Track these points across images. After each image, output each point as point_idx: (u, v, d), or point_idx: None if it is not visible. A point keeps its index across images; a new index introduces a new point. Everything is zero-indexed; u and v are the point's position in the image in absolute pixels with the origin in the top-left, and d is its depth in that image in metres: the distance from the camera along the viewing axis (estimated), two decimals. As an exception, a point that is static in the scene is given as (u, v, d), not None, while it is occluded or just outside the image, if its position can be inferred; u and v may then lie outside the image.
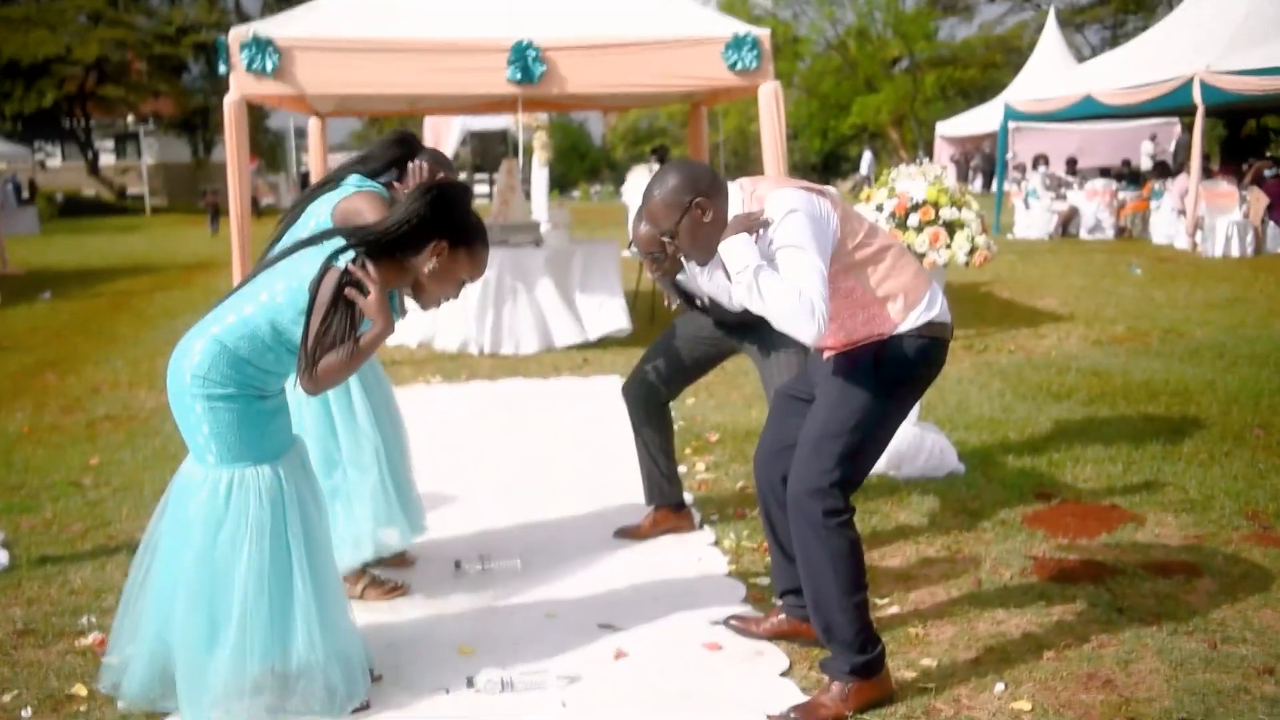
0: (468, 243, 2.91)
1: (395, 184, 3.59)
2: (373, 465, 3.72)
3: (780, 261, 2.78)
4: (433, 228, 2.84)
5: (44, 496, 5.04)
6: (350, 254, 2.77)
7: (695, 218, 2.93)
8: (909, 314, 2.97)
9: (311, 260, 2.78)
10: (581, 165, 54.28)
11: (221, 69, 6.84)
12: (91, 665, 3.29)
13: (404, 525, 3.86)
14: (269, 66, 6.56)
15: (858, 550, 2.95)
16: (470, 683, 3.12)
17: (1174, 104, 15.73)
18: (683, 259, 3.08)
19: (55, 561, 4.19)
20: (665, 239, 2.99)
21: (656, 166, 10.77)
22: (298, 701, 2.88)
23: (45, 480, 5.30)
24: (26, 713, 3.01)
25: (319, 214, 3.41)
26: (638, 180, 4.16)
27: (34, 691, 3.14)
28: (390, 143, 3.61)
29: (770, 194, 2.88)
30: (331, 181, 3.48)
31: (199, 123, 43.26)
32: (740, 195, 2.97)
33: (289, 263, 2.84)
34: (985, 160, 27.64)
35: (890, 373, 2.97)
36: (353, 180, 3.48)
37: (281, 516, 2.85)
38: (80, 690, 3.12)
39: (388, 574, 3.96)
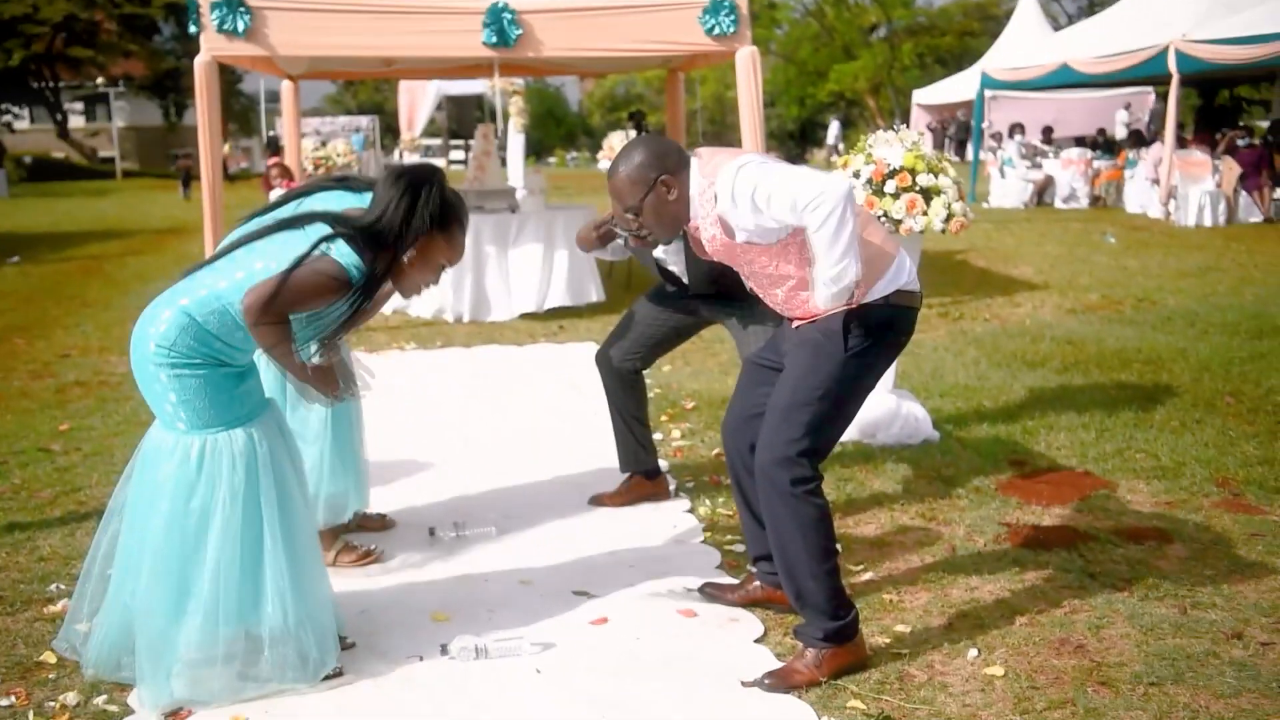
0: (445, 227, 2.88)
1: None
2: (318, 437, 3.70)
3: (765, 200, 2.77)
4: (413, 217, 2.81)
5: (12, 463, 4.98)
6: (338, 242, 2.74)
7: (660, 195, 2.94)
8: (877, 283, 2.95)
9: (293, 245, 2.75)
10: (558, 131, 53.99)
11: (192, 29, 6.72)
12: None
13: (348, 498, 3.83)
14: (240, 27, 6.45)
15: (827, 517, 2.96)
16: (444, 650, 3.11)
17: (1149, 73, 15.77)
18: (648, 236, 3.06)
19: (24, 528, 4.15)
20: (629, 215, 2.97)
21: (634, 133, 10.70)
22: (268, 669, 2.86)
23: (14, 446, 5.24)
24: (-5, 680, 2.98)
25: (326, 206, 3.40)
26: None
27: (2, 659, 3.10)
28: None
29: (724, 164, 2.88)
30: (352, 183, 3.48)
31: (170, 85, 42.69)
32: (697, 165, 2.97)
33: (269, 243, 2.79)
34: (961, 129, 27.63)
35: (859, 341, 2.96)
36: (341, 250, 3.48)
37: (255, 481, 2.82)
38: (49, 658, 3.09)
39: (362, 539, 3.94)
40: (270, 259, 2.76)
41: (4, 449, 5.20)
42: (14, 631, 3.28)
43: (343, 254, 2.75)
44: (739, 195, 2.81)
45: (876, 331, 2.97)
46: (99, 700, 2.87)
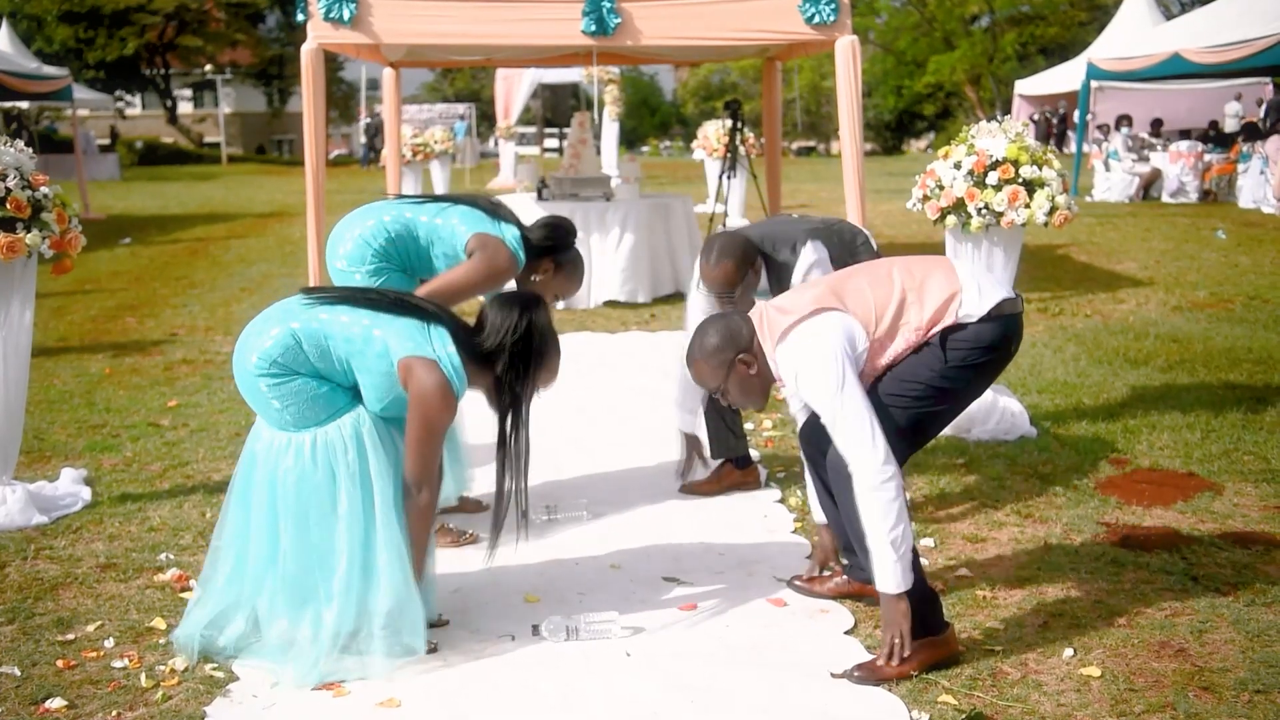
0: (543, 362, 3.03)
1: (534, 269, 3.83)
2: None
3: (833, 430, 2.85)
4: (528, 352, 2.98)
5: (124, 436, 5.17)
6: (453, 354, 2.88)
7: (741, 373, 2.99)
8: (966, 308, 2.94)
9: (413, 337, 2.87)
10: (652, 120, 54.04)
11: (299, 17, 6.88)
12: (170, 600, 3.40)
13: (450, 480, 3.93)
14: (346, 15, 6.58)
15: (900, 496, 2.91)
16: (536, 631, 3.16)
17: (1267, 63, 15.15)
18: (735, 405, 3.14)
19: (135, 499, 4.31)
20: (716, 396, 3.06)
21: (729, 122, 10.64)
22: (373, 644, 2.93)
23: (125, 421, 5.44)
24: (109, 643, 3.11)
25: (459, 227, 3.69)
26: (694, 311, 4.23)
27: (116, 623, 3.24)
28: (552, 226, 3.86)
29: (779, 350, 2.92)
30: (493, 212, 3.77)
31: (275, 72, 43.77)
32: (758, 325, 3.00)
33: (393, 322, 2.89)
34: (1060, 120, 26.96)
35: (960, 355, 2.93)
36: (511, 233, 3.75)
37: (366, 459, 2.92)
38: (159, 623, 3.21)
39: (457, 521, 4.01)
40: (388, 334, 2.88)
41: (116, 423, 5.40)
42: (126, 597, 3.42)
43: (452, 365, 2.88)
44: (807, 395, 2.91)
45: (983, 346, 2.95)
46: (207, 667, 2.97)
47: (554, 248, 3.83)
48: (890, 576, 2.83)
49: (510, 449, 3.04)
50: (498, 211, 3.77)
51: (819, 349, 2.86)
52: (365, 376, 2.90)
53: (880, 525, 2.80)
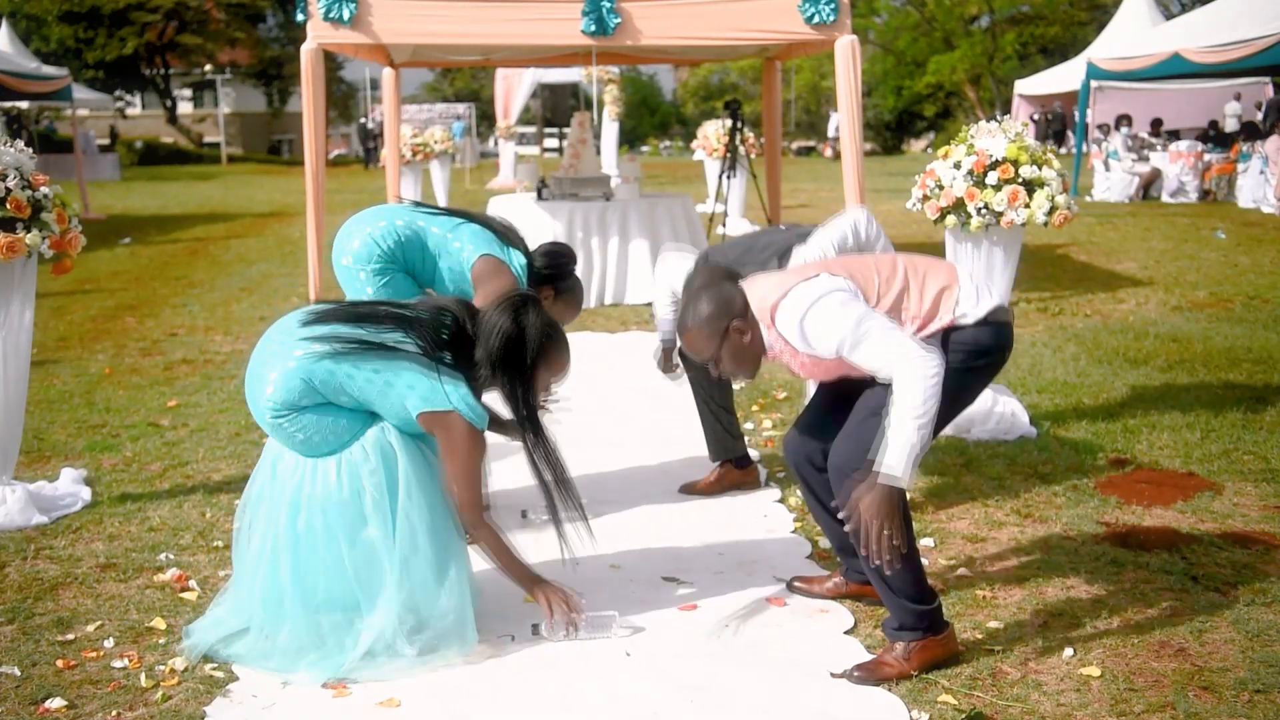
0: (540, 361, 3.06)
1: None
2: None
3: (860, 355, 2.78)
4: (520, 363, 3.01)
5: (124, 436, 5.17)
6: (458, 388, 2.90)
7: (735, 341, 2.97)
8: (963, 306, 2.94)
9: (430, 392, 2.88)
10: (651, 120, 54.02)
11: (299, 17, 6.88)
12: (170, 600, 3.40)
13: None
14: (346, 15, 6.58)
15: (902, 501, 2.92)
16: (535, 630, 3.16)
17: (1268, 62, 15.15)
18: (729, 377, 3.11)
19: (135, 499, 4.30)
20: (709, 366, 3.04)
21: (729, 122, 10.64)
22: (401, 648, 2.96)
23: (125, 420, 5.44)
24: (109, 643, 3.11)
25: (467, 246, 3.80)
26: (671, 270, 4.06)
27: (115, 623, 3.24)
28: (554, 254, 3.98)
29: (780, 308, 2.90)
30: (504, 236, 3.84)
31: (274, 72, 43.76)
32: (752, 303, 2.98)
33: (403, 372, 2.90)
34: (1058, 119, 26.96)
35: (958, 358, 2.93)
36: (518, 259, 3.86)
37: (394, 470, 2.95)
38: (159, 624, 3.21)
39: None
40: (400, 386, 2.89)
41: (116, 423, 5.39)
42: (126, 597, 3.42)
43: (470, 409, 2.92)
44: (817, 338, 2.84)
45: (978, 350, 2.95)
46: (207, 667, 2.97)
47: (555, 275, 3.96)
48: (900, 457, 2.70)
49: (535, 452, 3.08)
50: (508, 236, 3.83)
51: (822, 291, 2.85)
52: (383, 412, 2.96)
53: (910, 403, 2.68)
